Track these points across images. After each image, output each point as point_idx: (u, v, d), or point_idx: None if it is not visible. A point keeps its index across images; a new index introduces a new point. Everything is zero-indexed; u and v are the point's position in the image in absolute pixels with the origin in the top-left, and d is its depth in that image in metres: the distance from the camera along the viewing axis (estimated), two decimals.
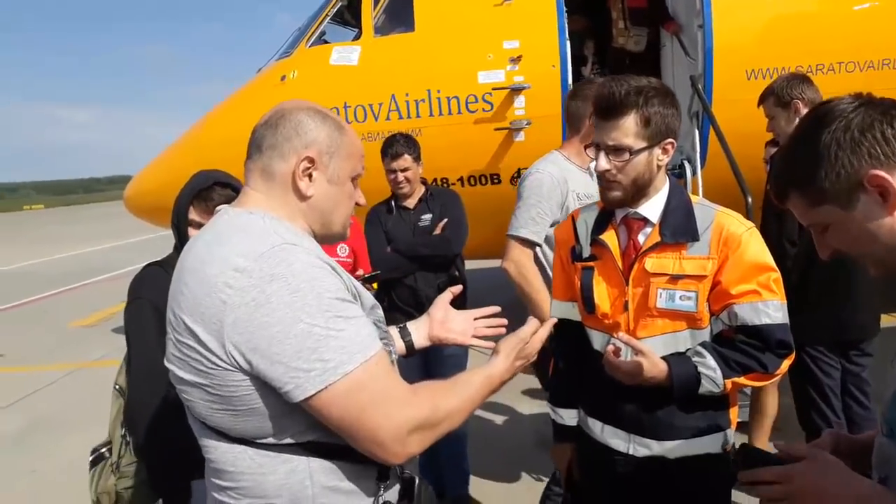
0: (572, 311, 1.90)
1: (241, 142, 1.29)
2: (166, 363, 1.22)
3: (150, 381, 1.82)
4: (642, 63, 5.67)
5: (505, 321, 1.69)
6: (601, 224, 1.81)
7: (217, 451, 1.19)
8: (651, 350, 1.63)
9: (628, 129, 1.64)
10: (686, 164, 4.75)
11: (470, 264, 3.82)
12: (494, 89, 4.77)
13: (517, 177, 4.98)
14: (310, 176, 1.24)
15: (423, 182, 3.40)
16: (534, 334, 1.40)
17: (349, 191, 1.31)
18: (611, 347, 1.68)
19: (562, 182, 2.56)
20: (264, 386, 1.10)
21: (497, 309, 1.69)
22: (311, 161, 1.23)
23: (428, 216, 3.31)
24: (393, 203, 3.34)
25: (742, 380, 1.64)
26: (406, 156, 3.19)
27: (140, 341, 1.92)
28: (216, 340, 1.09)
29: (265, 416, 1.12)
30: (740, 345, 1.64)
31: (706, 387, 1.63)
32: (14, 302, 10.80)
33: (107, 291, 10.65)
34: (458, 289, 1.74)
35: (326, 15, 5.54)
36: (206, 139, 5.56)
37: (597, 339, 1.82)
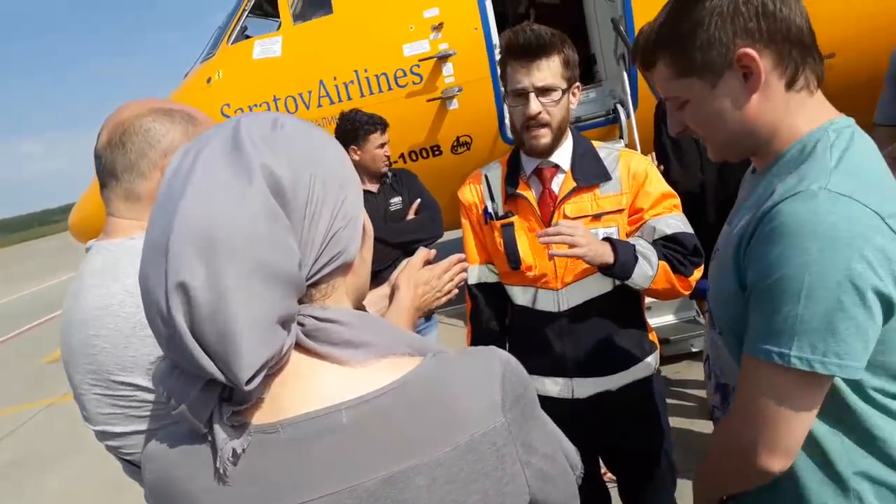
0: (488, 274, 1.92)
1: None
2: (92, 426, 1.11)
3: None
4: (566, 12, 5.68)
5: (466, 265, 1.61)
6: (511, 180, 1.83)
7: None
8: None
9: (556, 69, 1.67)
10: (619, 107, 4.79)
11: None
12: (421, 60, 4.74)
13: (457, 145, 4.98)
14: None
15: None
16: (445, 272, 1.35)
17: None
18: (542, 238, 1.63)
19: None
20: None
21: (462, 255, 1.58)
22: None
23: (397, 199, 3.15)
24: None
25: (671, 274, 1.69)
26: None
27: None
28: None
29: None
30: (662, 248, 1.71)
31: (643, 268, 1.65)
32: None
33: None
34: (432, 253, 1.67)
35: (244, 10, 5.42)
36: None
37: (519, 295, 1.85)
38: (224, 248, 0.60)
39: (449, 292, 1.36)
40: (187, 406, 0.63)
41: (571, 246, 1.57)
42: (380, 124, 3.10)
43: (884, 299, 0.90)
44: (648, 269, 1.66)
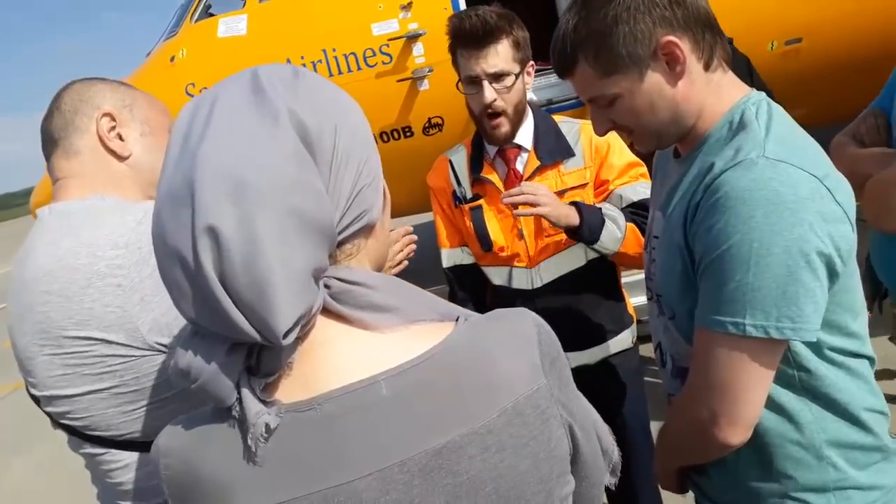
0: (462, 257, 1.91)
1: None
2: (38, 392, 1.07)
3: None
4: None
5: (415, 237, 1.64)
6: (475, 163, 1.83)
7: (133, 468, 1.07)
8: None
9: (506, 53, 1.65)
10: None
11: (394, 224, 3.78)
12: (390, 40, 4.67)
13: (429, 126, 4.93)
14: (119, 136, 1.14)
15: None
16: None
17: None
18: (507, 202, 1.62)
19: None
20: None
21: (410, 228, 1.63)
22: (112, 117, 1.13)
23: None
24: None
25: (641, 237, 1.66)
26: None
27: None
28: (122, 330, 0.98)
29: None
30: (630, 214, 1.71)
31: (611, 230, 1.63)
32: None
33: None
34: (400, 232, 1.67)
35: None
36: None
37: (496, 275, 1.85)
38: (255, 190, 0.55)
39: (399, 263, 1.44)
40: (211, 375, 0.57)
41: (535, 206, 1.56)
42: None
43: (826, 260, 0.92)
44: (616, 232, 1.65)
